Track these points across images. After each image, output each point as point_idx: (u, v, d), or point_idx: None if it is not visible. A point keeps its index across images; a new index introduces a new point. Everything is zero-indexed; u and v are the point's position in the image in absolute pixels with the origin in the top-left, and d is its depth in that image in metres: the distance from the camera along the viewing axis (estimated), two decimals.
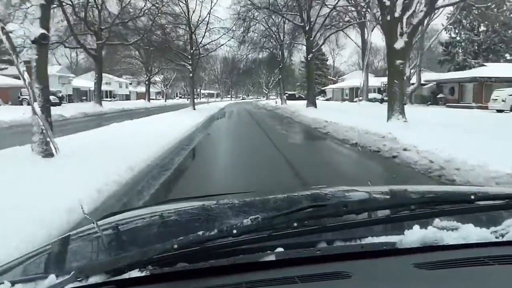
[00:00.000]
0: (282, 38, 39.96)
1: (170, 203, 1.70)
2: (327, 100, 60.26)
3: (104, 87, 68.24)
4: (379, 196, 1.37)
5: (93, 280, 0.78)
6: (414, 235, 0.90)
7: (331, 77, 73.84)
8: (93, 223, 1.11)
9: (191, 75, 31.12)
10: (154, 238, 1.21)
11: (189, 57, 30.37)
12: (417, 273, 0.78)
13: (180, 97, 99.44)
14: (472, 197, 0.92)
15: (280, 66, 42.66)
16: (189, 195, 3.90)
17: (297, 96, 75.16)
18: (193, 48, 30.44)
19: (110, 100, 58.58)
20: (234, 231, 0.80)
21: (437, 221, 0.96)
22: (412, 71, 32.46)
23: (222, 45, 32.55)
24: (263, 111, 33.15)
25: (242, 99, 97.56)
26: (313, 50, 28.18)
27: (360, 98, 41.28)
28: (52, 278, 0.81)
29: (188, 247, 0.79)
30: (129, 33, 31.56)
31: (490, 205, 0.98)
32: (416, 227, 0.91)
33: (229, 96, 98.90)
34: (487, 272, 0.80)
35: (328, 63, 75.20)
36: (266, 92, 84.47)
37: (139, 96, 79.51)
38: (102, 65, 33.67)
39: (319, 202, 1.31)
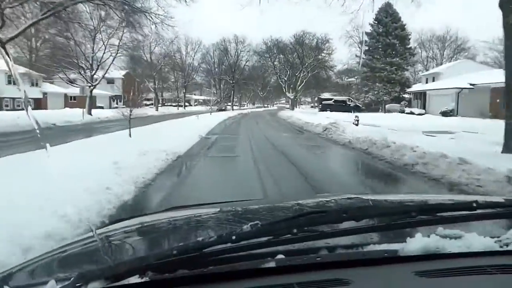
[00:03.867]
0: None
1: (174, 211, 1.66)
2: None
3: None
4: (380, 204, 1.32)
5: (92, 286, 0.77)
6: (416, 243, 0.89)
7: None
8: (92, 231, 1.13)
9: None
10: (154, 245, 1.23)
11: None
12: (418, 281, 0.78)
13: (164, 104, 67.93)
14: (474, 204, 0.91)
15: None
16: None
17: (350, 104, 42.68)
18: None
19: None
20: (233, 237, 0.80)
21: (440, 229, 0.95)
22: None
23: None
24: None
25: (224, 109, 63.97)
26: None
27: None
28: (52, 284, 0.81)
29: (187, 253, 0.79)
30: None
31: (492, 213, 0.97)
32: (419, 235, 0.90)
33: (229, 104, 65.40)
34: (489, 281, 0.79)
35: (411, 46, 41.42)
36: (292, 97, 51.02)
37: (79, 102, 46.37)
38: None
39: (320, 209, 1.30)
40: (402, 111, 33.86)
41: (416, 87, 37.72)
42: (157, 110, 47.83)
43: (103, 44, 28.36)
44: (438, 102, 29.83)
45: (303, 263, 0.85)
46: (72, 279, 0.78)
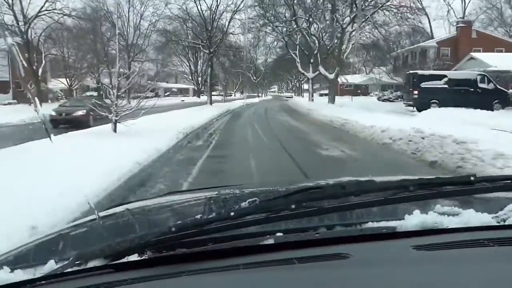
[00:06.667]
0: None
1: (173, 195, 1.71)
2: None
3: None
4: (379, 180, 1.31)
5: (91, 264, 0.78)
6: (414, 220, 0.90)
7: None
8: (95, 214, 1.16)
9: None
10: (154, 225, 1.25)
11: None
12: (417, 254, 0.79)
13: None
14: (472, 178, 0.93)
15: None
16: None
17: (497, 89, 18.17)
18: None
19: None
20: (232, 214, 0.81)
21: (438, 206, 0.96)
22: None
23: None
24: None
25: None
26: None
27: None
28: (51, 264, 0.81)
29: (185, 229, 0.80)
30: None
31: (489, 187, 0.98)
32: (416, 212, 0.91)
33: (206, 93, 40.33)
34: (487, 253, 0.80)
35: None
36: (332, 77, 25.54)
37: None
38: None
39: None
40: None
41: None
42: (40, 106, 22.72)
43: None
44: None
45: (302, 239, 0.86)
46: (71, 258, 0.79)
